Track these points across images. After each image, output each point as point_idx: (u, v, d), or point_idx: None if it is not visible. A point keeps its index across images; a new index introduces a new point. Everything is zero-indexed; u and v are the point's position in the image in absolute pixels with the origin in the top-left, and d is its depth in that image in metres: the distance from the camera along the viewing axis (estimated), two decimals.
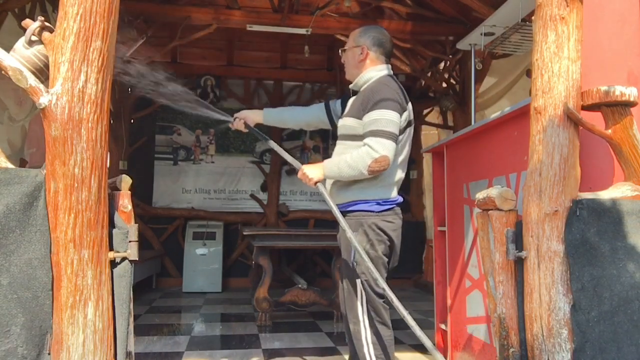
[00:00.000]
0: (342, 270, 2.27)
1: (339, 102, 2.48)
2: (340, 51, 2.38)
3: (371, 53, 2.26)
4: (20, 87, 1.51)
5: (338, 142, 2.30)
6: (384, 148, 2.03)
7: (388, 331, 2.16)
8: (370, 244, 2.15)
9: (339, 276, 2.38)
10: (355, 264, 2.15)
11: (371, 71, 2.25)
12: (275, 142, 2.55)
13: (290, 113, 2.59)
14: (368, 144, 2.05)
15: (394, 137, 2.07)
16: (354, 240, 2.06)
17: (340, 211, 2.18)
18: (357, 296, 2.15)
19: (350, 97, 2.36)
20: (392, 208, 2.23)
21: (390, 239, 2.21)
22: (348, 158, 2.08)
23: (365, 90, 2.23)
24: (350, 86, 2.34)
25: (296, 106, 2.60)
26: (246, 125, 2.51)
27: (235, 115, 2.55)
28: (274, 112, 2.57)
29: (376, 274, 2.03)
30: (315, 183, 2.14)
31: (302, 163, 2.27)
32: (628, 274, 1.62)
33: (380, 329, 2.14)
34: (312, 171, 2.15)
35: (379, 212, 2.17)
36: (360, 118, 2.15)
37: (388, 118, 2.06)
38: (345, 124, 2.24)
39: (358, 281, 2.15)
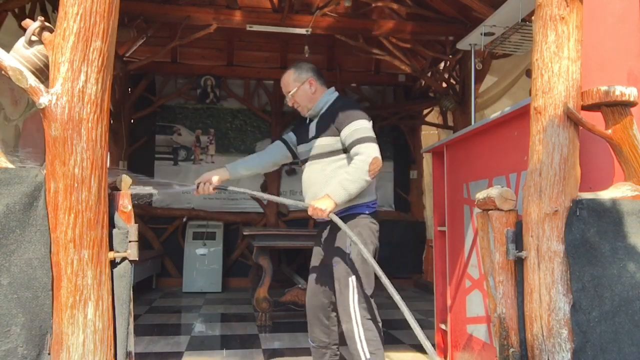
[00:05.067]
0: (334, 272, 2.31)
1: (291, 133, 2.63)
2: (288, 96, 2.46)
3: (317, 82, 2.43)
4: (20, 87, 1.51)
5: (311, 162, 2.40)
6: (373, 150, 2.21)
7: (379, 327, 2.24)
8: (364, 244, 2.20)
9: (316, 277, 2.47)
10: (350, 261, 2.23)
11: (325, 96, 2.44)
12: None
13: (253, 161, 2.61)
14: (358, 152, 2.21)
15: (375, 141, 2.26)
16: (360, 245, 2.10)
17: (338, 217, 2.25)
18: (349, 295, 2.22)
19: (304, 124, 2.52)
20: (376, 211, 2.40)
21: (376, 240, 2.37)
22: (347, 176, 2.20)
23: (328, 112, 2.39)
24: (308, 114, 2.48)
25: (254, 154, 2.68)
26: (214, 187, 2.41)
27: (197, 181, 2.40)
28: (239, 165, 2.56)
29: (376, 267, 2.06)
30: (328, 214, 2.19)
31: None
32: (628, 274, 1.62)
33: (371, 326, 2.21)
34: (322, 204, 2.19)
35: (369, 214, 2.34)
36: (336, 135, 2.30)
37: (366, 126, 2.26)
38: (321, 143, 2.35)
39: (350, 280, 2.22)
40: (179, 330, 4.19)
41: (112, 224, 1.63)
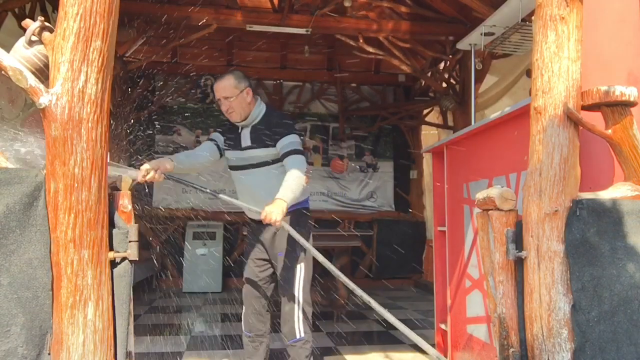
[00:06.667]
0: (286, 260, 2.64)
1: (218, 134, 2.75)
2: (225, 102, 2.55)
3: (252, 92, 2.61)
4: (20, 87, 1.51)
5: (251, 170, 2.62)
6: (304, 162, 2.55)
7: (311, 310, 2.66)
8: (308, 235, 2.63)
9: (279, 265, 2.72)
10: (298, 252, 2.59)
11: (257, 107, 2.63)
12: None
13: (193, 156, 2.67)
14: (293, 163, 2.50)
15: (304, 153, 2.64)
16: (315, 251, 2.36)
17: (289, 212, 2.50)
18: (295, 281, 2.61)
19: (234, 131, 2.66)
20: (309, 202, 2.80)
21: (311, 225, 2.73)
22: (292, 181, 2.47)
23: (263, 124, 2.60)
24: (241, 123, 2.62)
25: (191, 150, 2.77)
26: (164, 173, 2.35)
27: (142, 167, 2.26)
28: (182, 159, 2.56)
29: (327, 263, 2.28)
30: (280, 222, 2.36)
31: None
32: (628, 274, 1.62)
33: (308, 311, 2.62)
34: (274, 211, 2.33)
35: (308, 207, 2.76)
36: (272, 147, 2.56)
37: (297, 140, 2.60)
38: (255, 154, 2.60)
39: (298, 267, 2.60)
40: (179, 330, 4.19)
41: (112, 224, 1.63)
